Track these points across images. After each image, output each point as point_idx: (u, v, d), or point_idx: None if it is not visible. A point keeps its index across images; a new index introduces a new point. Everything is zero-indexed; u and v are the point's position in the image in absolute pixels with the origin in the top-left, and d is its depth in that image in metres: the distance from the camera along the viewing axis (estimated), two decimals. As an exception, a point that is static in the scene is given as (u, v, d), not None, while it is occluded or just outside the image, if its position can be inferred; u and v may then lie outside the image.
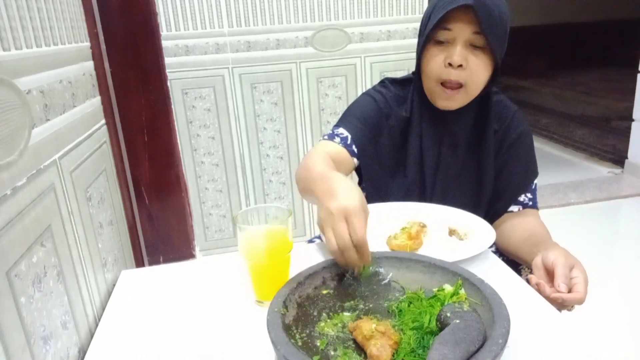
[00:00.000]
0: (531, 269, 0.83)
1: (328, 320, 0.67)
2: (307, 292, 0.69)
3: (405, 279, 0.73)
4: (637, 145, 3.12)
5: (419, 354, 0.58)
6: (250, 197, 2.05)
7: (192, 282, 0.86)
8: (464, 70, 0.91)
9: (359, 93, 1.11)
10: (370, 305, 0.70)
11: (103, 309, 0.84)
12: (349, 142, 1.01)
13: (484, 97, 1.00)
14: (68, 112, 0.84)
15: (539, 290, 0.76)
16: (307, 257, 0.89)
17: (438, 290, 0.67)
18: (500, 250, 1.03)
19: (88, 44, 1.07)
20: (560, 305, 0.74)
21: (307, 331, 0.64)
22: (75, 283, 0.77)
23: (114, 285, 0.88)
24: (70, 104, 0.86)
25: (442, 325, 0.59)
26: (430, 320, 0.62)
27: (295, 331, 0.62)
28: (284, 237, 0.75)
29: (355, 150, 1.01)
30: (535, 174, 1.05)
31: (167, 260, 1.78)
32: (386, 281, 0.74)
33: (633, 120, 3.11)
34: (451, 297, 0.65)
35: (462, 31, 0.90)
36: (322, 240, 0.94)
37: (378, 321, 0.63)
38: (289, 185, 2.06)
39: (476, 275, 0.67)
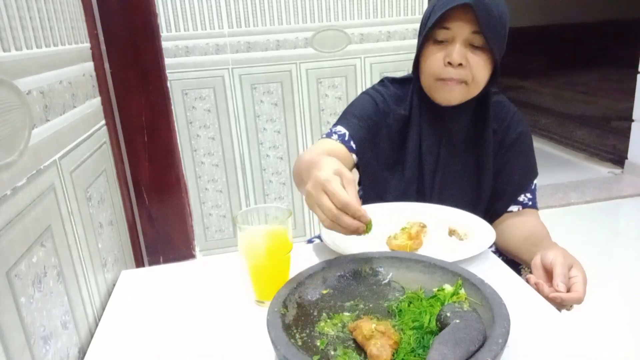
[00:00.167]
0: (531, 269, 0.83)
1: (328, 320, 0.67)
2: (307, 292, 0.69)
3: (405, 279, 0.73)
4: (637, 145, 3.12)
5: (419, 354, 0.58)
6: (250, 197, 2.05)
7: (192, 282, 0.86)
8: (464, 69, 0.91)
9: (359, 93, 1.11)
10: (370, 305, 0.70)
11: (103, 309, 0.84)
12: (346, 138, 1.01)
13: (483, 96, 1.00)
14: (68, 112, 0.84)
15: (538, 290, 0.76)
16: (307, 257, 0.89)
17: (438, 290, 0.67)
18: (500, 250, 1.03)
19: (88, 44, 1.07)
20: (559, 304, 0.74)
21: (307, 331, 0.64)
22: (75, 283, 0.77)
23: (114, 285, 0.88)
24: (70, 104, 0.86)
25: (442, 325, 0.59)
26: (430, 320, 0.62)
27: (295, 331, 0.62)
28: (284, 237, 0.75)
29: (354, 146, 1.01)
30: (534, 174, 1.05)
31: (167, 260, 1.79)
32: (386, 281, 0.74)
33: (633, 120, 3.11)
34: (451, 297, 0.65)
35: (461, 30, 0.90)
36: (321, 240, 0.94)
37: (378, 321, 0.63)
38: (288, 185, 2.06)
39: (476, 275, 0.67)
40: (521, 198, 1.04)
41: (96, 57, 1.10)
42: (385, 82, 1.09)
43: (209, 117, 1.90)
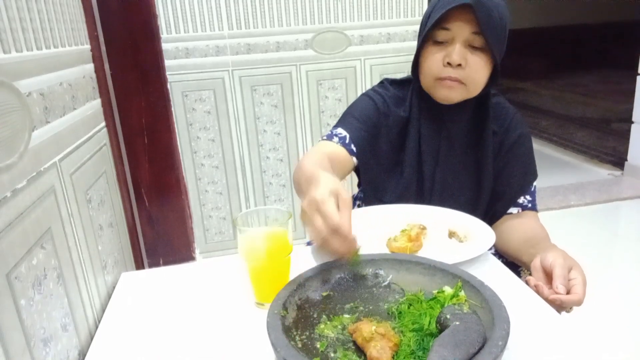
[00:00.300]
0: (530, 271, 0.83)
1: (328, 322, 0.66)
2: (307, 294, 0.69)
3: (405, 281, 0.73)
4: (637, 147, 3.12)
5: (418, 356, 0.58)
6: (250, 199, 2.05)
7: (192, 284, 0.86)
8: (463, 70, 0.91)
9: (359, 95, 1.11)
10: (370, 307, 0.70)
11: (103, 311, 0.84)
12: (347, 141, 1.01)
13: (483, 97, 1.00)
14: (68, 114, 0.85)
15: (538, 292, 0.76)
16: (307, 259, 0.89)
17: (438, 292, 0.67)
18: (499, 252, 1.03)
19: (88, 46, 1.07)
20: (559, 306, 0.74)
21: (307, 333, 0.64)
22: (75, 285, 0.77)
23: (114, 287, 0.88)
24: (70, 106, 0.87)
25: (441, 327, 0.59)
26: (430, 322, 0.62)
27: (295, 333, 0.62)
28: (284, 240, 0.75)
29: (354, 149, 1.01)
30: (534, 176, 1.05)
31: (167, 262, 1.79)
32: (386, 283, 0.74)
33: (633, 122, 3.11)
34: (451, 299, 0.65)
35: (461, 31, 0.90)
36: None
37: (378, 323, 0.63)
38: (288, 187, 2.06)
39: (476, 277, 0.67)
40: (521, 200, 1.04)
41: (96, 59, 1.10)
42: (385, 83, 1.09)
43: (209, 118, 1.90)
